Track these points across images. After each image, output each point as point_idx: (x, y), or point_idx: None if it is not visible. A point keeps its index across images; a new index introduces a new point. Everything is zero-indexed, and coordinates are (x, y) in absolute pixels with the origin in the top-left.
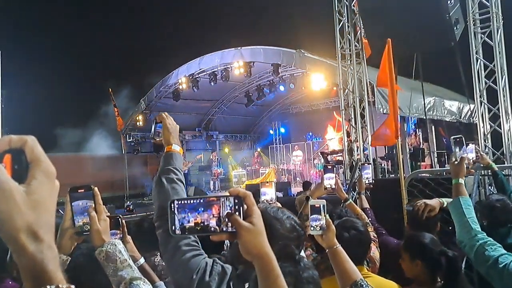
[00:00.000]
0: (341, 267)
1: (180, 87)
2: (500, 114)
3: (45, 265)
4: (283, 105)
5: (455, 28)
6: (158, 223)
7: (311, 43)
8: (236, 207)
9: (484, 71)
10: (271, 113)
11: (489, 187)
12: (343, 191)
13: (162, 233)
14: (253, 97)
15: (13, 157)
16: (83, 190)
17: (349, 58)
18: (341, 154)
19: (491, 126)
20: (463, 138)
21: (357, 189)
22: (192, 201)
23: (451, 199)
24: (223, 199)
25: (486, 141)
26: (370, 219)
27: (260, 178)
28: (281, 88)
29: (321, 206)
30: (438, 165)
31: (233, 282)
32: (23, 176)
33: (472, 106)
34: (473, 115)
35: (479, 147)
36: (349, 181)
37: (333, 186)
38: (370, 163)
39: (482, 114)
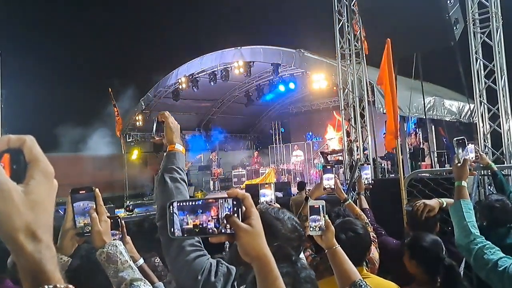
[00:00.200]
0: (340, 268)
1: (180, 87)
2: (500, 114)
3: (43, 265)
4: (283, 105)
5: (454, 28)
6: (160, 222)
7: (311, 43)
8: (235, 208)
9: (484, 71)
10: (271, 113)
11: (489, 187)
12: (343, 191)
13: (165, 233)
14: (253, 97)
15: (12, 157)
16: (84, 191)
17: (348, 58)
18: (341, 154)
19: (490, 126)
20: (466, 140)
21: (356, 189)
22: (190, 203)
23: (450, 199)
24: (221, 201)
25: (486, 141)
26: (369, 219)
27: (260, 178)
28: (281, 87)
29: (320, 206)
30: (438, 165)
31: (237, 282)
32: (21, 176)
33: (471, 106)
34: (472, 115)
35: (478, 147)
36: (348, 181)
37: (332, 187)
38: (370, 163)
39: (482, 114)
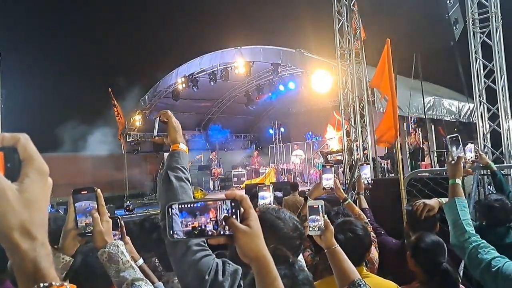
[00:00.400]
0: (340, 267)
1: (180, 86)
2: (499, 114)
3: (39, 262)
4: (283, 105)
5: (454, 27)
6: (163, 222)
7: (310, 42)
8: (233, 210)
9: (483, 71)
10: (270, 113)
11: (488, 187)
12: (342, 191)
13: None
14: (252, 97)
15: (6, 155)
16: (86, 192)
17: (348, 57)
18: (341, 153)
19: (490, 126)
20: (460, 137)
21: (356, 189)
22: (189, 205)
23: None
24: (220, 203)
25: (485, 141)
26: (369, 219)
27: (260, 177)
28: (281, 87)
29: (319, 206)
30: (437, 164)
31: (243, 281)
32: (15, 174)
33: (471, 105)
34: (472, 115)
35: (478, 147)
36: (348, 181)
37: (332, 186)
38: (369, 163)
39: (481, 114)
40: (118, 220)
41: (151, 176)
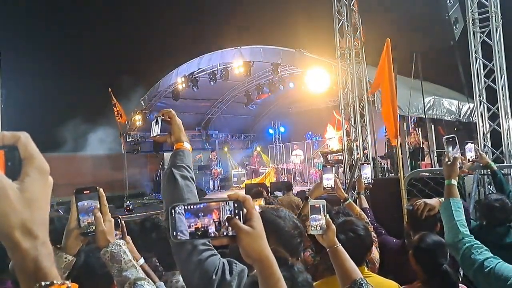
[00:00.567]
0: (342, 266)
1: (180, 86)
2: (499, 113)
3: (40, 261)
4: (283, 104)
5: (454, 27)
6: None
7: (310, 42)
8: (236, 211)
9: (483, 70)
10: (270, 112)
11: (489, 186)
12: (343, 191)
13: None
14: (252, 97)
15: (6, 153)
16: (88, 192)
17: (348, 57)
18: (341, 153)
19: (490, 125)
20: (456, 138)
21: (356, 189)
22: (192, 206)
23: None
24: (222, 204)
25: (486, 140)
26: (369, 219)
27: (260, 177)
28: (281, 87)
29: (321, 206)
30: (437, 164)
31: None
32: (16, 173)
33: (471, 105)
34: (472, 114)
35: (478, 147)
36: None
37: (333, 186)
38: (369, 163)
39: (482, 113)
40: (119, 219)
41: (151, 176)
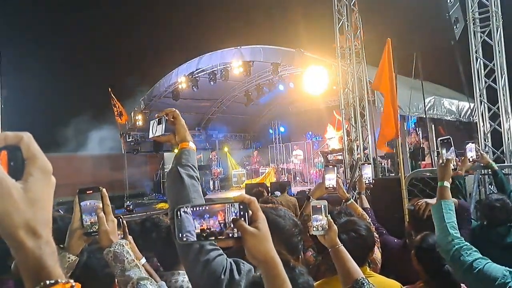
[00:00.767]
0: (344, 266)
1: (180, 86)
2: (500, 113)
3: (44, 260)
4: (283, 104)
5: (454, 27)
6: (173, 224)
7: (310, 42)
8: (241, 213)
9: (484, 70)
10: (270, 112)
11: (489, 186)
12: (345, 191)
13: None
14: (252, 96)
15: (9, 154)
16: (91, 192)
17: (348, 57)
18: (341, 153)
19: (491, 125)
20: (451, 139)
21: (357, 189)
22: (197, 208)
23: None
24: (228, 205)
25: (486, 140)
26: (370, 219)
27: (260, 177)
28: (281, 87)
29: (322, 206)
30: None
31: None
32: (19, 173)
33: (472, 105)
34: (473, 114)
35: (479, 146)
36: (349, 181)
37: (334, 186)
38: (370, 163)
39: (482, 113)
40: (121, 219)
41: (151, 176)
